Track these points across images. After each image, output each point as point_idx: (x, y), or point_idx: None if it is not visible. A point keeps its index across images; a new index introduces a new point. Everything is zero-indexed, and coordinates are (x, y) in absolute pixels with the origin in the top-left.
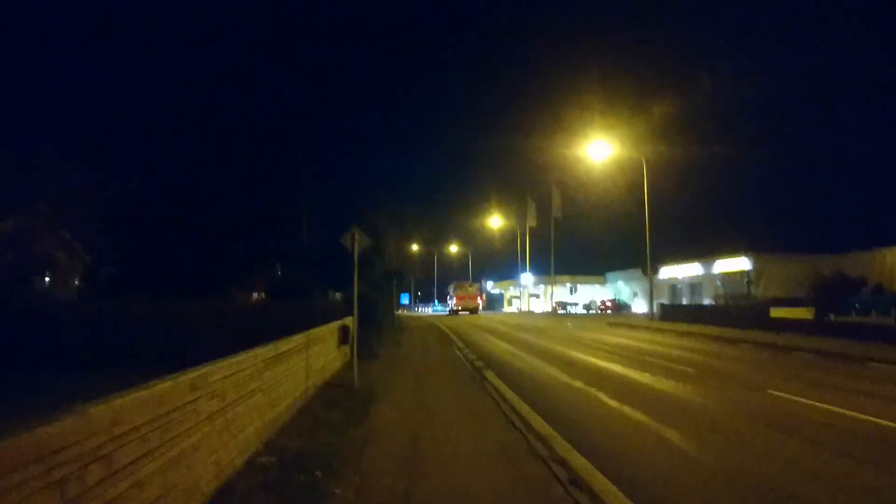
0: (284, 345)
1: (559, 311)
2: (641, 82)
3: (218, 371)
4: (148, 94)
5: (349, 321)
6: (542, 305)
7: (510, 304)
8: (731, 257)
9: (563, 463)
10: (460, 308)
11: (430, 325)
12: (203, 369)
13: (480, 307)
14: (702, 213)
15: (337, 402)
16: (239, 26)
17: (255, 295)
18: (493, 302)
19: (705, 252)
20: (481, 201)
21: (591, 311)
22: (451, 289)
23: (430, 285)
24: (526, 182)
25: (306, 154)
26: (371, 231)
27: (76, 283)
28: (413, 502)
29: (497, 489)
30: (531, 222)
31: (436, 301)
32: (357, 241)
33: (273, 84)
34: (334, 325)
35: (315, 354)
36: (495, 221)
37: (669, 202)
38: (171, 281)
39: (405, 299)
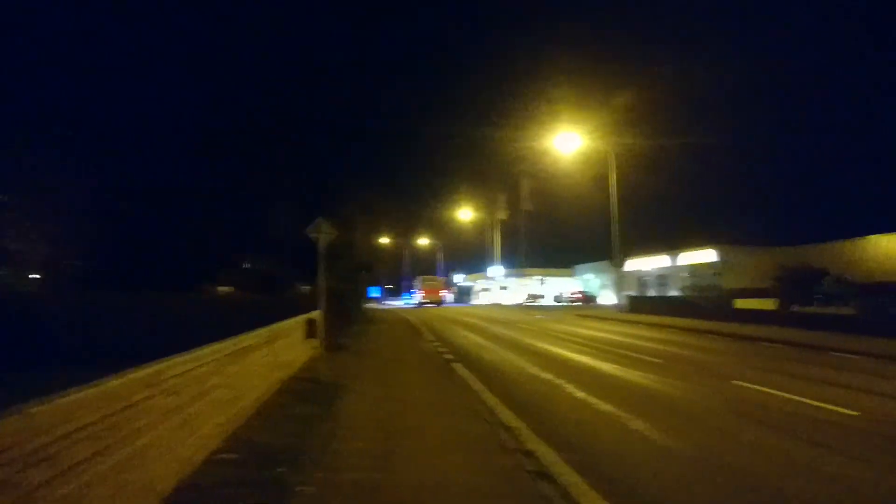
0: (247, 339)
1: (530, 304)
2: (609, 75)
3: (174, 367)
4: (115, 85)
5: (316, 314)
6: (512, 298)
7: (480, 296)
8: (697, 249)
9: (530, 455)
10: (426, 301)
11: (399, 317)
12: (158, 365)
13: (445, 300)
14: (670, 206)
15: (304, 395)
16: (208, 15)
17: (223, 289)
18: (464, 294)
19: (673, 244)
20: (452, 194)
21: (560, 304)
22: (417, 282)
23: (401, 278)
24: (496, 175)
25: (275, 147)
26: (340, 224)
27: (37, 276)
28: (379, 496)
29: (465, 482)
30: (501, 215)
31: (406, 293)
32: (323, 234)
33: (238, 73)
34: (301, 319)
35: (281, 348)
36: (466, 214)
37: (637, 194)
38: (139, 275)
39: (376, 292)
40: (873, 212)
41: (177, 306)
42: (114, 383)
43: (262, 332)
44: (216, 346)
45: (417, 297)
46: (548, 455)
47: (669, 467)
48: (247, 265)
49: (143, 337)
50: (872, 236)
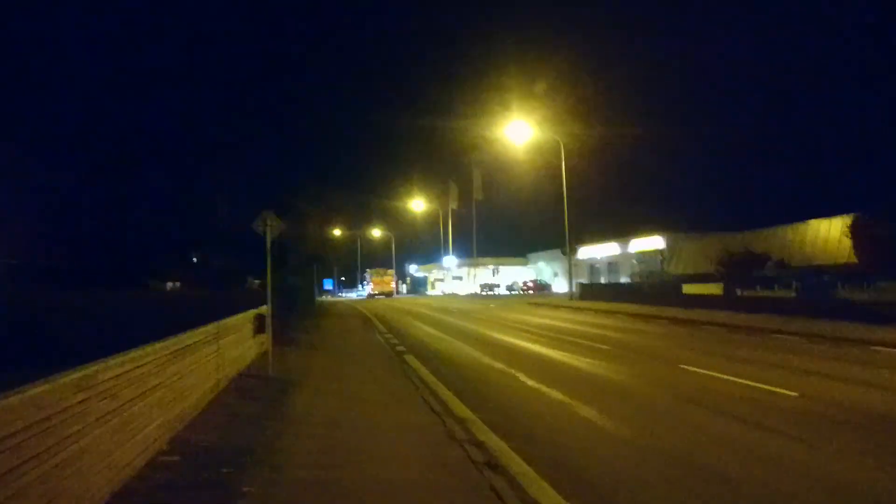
0: (191, 337)
1: (484, 293)
2: (559, 65)
3: (110, 369)
4: (56, 79)
5: (265, 309)
6: (466, 287)
7: (434, 286)
8: (646, 236)
9: (480, 446)
10: (376, 292)
11: (352, 309)
12: (91, 368)
13: (395, 291)
14: (619, 194)
15: (251, 392)
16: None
17: (170, 284)
18: (418, 285)
19: (622, 232)
20: (404, 185)
21: (513, 292)
22: (367, 275)
23: (355, 270)
24: (448, 164)
25: (224, 141)
26: (291, 216)
27: None
28: (326, 494)
29: (414, 476)
30: (453, 204)
31: (360, 285)
32: (270, 227)
33: (184, 67)
34: (250, 314)
35: (228, 344)
36: (418, 205)
37: (588, 183)
38: (82, 272)
39: (329, 284)
40: (814, 198)
41: (122, 304)
42: (40, 389)
43: (207, 329)
44: (157, 346)
45: (368, 288)
46: (498, 445)
47: (617, 454)
48: (195, 260)
49: (86, 337)
50: (812, 221)
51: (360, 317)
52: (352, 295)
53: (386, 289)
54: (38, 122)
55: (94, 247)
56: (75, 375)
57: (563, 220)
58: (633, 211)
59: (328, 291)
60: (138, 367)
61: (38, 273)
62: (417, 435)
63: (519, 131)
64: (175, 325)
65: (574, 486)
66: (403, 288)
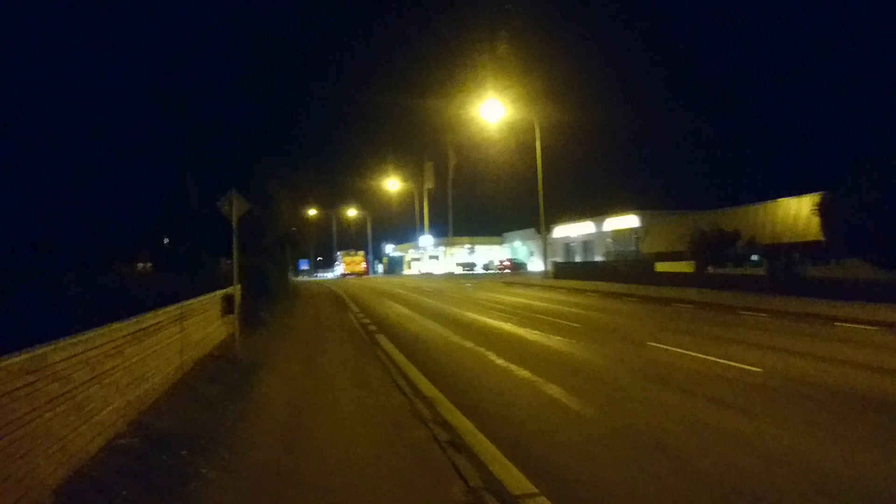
0: (152, 318)
1: (460, 273)
2: (534, 43)
3: (60, 351)
4: (13, 51)
5: (234, 290)
6: (442, 267)
7: (410, 266)
8: (620, 215)
9: (445, 425)
10: (348, 272)
11: (327, 290)
12: (40, 350)
13: (367, 272)
14: (593, 173)
15: (216, 374)
16: None
17: (140, 266)
18: (395, 265)
19: (597, 211)
20: (379, 164)
21: (489, 272)
22: (339, 256)
23: (330, 250)
24: (423, 144)
25: (193, 118)
26: (262, 196)
27: None
28: (283, 476)
29: (374, 456)
30: (429, 184)
31: (335, 266)
32: (236, 207)
33: (150, 40)
34: (218, 295)
35: (193, 326)
36: (393, 184)
37: (563, 162)
38: (40, 255)
39: (305, 265)
40: (789, 177)
41: (85, 285)
42: None
43: (169, 311)
44: (113, 327)
45: (339, 269)
46: (463, 425)
47: (581, 433)
48: (166, 241)
49: (44, 320)
50: (782, 199)
51: (334, 297)
52: (328, 275)
53: (357, 269)
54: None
55: (56, 228)
56: (23, 357)
57: (539, 200)
58: (609, 190)
59: (304, 272)
60: (93, 348)
61: None
62: (383, 416)
63: (494, 110)
64: (140, 306)
65: (536, 463)
66: (380, 268)
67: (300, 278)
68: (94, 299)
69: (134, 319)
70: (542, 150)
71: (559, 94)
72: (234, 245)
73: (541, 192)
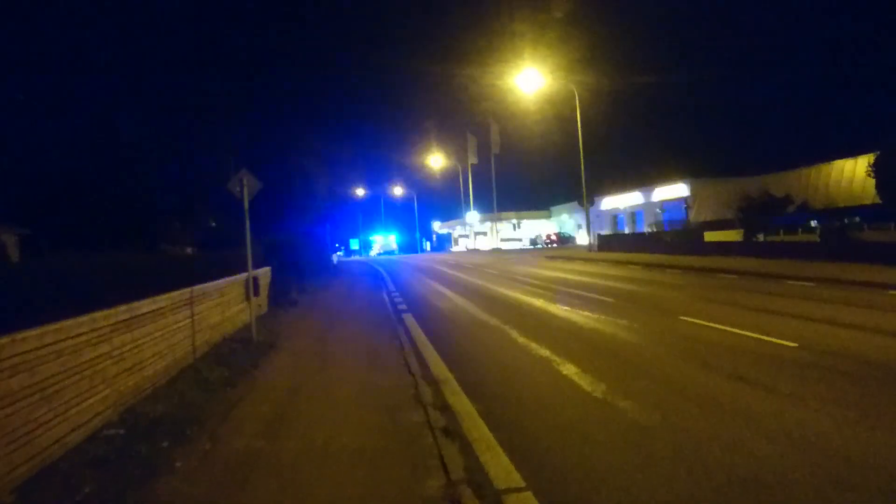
0: (149, 304)
1: (505, 248)
2: (573, 8)
3: (22, 342)
4: (58, 34)
5: (262, 271)
6: (489, 243)
7: (458, 243)
8: (669, 184)
9: (445, 409)
10: (381, 251)
11: (370, 268)
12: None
13: (395, 249)
14: (643, 142)
15: (227, 358)
16: None
17: (190, 250)
18: (443, 242)
19: (645, 180)
20: (421, 140)
21: (537, 246)
22: (373, 239)
23: (381, 230)
24: (464, 116)
25: (230, 100)
26: (300, 174)
27: None
28: (255, 465)
29: (358, 443)
30: (472, 159)
31: (372, 246)
32: (247, 186)
33: (196, 20)
34: (242, 277)
35: (209, 309)
36: (437, 161)
37: (609, 131)
38: (89, 239)
39: (356, 244)
40: (838, 136)
41: (127, 266)
42: None
43: (173, 296)
44: (95, 315)
45: (375, 249)
46: (464, 408)
47: (584, 415)
48: (213, 224)
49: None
50: (836, 161)
51: (374, 275)
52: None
53: (389, 247)
54: (47, 78)
55: (107, 213)
56: None
57: (580, 171)
58: (658, 159)
59: (355, 252)
60: (66, 338)
61: (51, 241)
62: (381, 399)
63: (532, 80)
64: (167, 286)
65: (531, 451)
66: (427, 246)
67: (353, 258)
68: (133, 278)
69: (124, 307)
70: (587, 119)
71: (604, 62)
72: (247, 225)
73: (582, 164)
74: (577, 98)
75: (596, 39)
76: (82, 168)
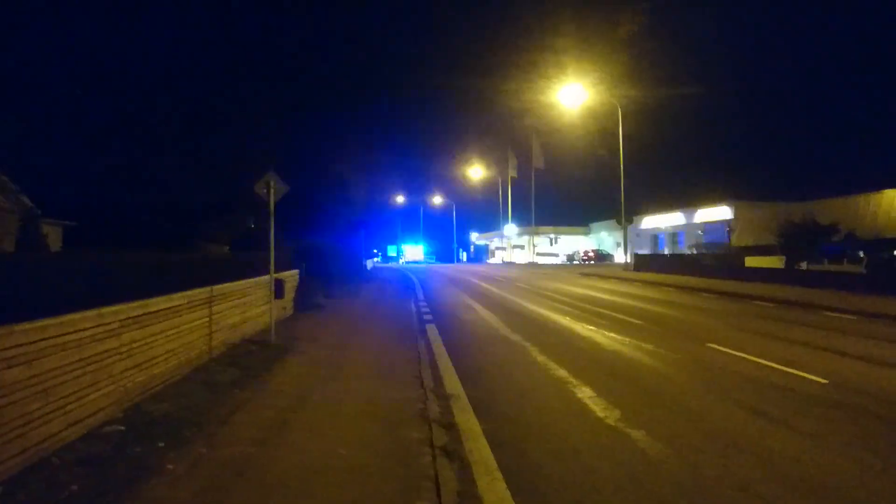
0: (164, 302)
1: (540, 262)
2: (616, 24)
3: (19, 335)
4: (98, 33)
5: (289, 275)
6: (526, 257)
7: (494, 255)
8: (712, 206)
9: (449, 427)
10: (410, 260)
11: (403, 276)
12: None
13: (422, 259)
14: (685, 160)
15: (239, 360)
16: None
17: (227, 248)
18: (480, 254)
19: (687, 201)
20: (462, 151)
21: (573, 262)
22: (403, 249)
23: (418, 238)
24: (505, 130)
25: (271, 104)
26: (338, 180)
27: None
28: (243, 474)
29: (353, 458)
30: (512, 173)
31: (427, 254)
32: (274, 189)
33: (229, 24)
34: (266, 278)
35: (228, 309)
36: (477, 172)
37: (654, 150)
38: (129, 234)
39: (393, 250)
40: (889, 165)
41: (151, 263)
42: None
43: (190, 294)
44: (103, 311)
45: (404, 258)
46: (469, 427)
47: (593, 441)
48: (252, 226)
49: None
50: (887, 191)
51: (406, 283)
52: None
53: (417, 257)
54: (88, 75)
55: (147, 210)
56: None
57: (620, 188)
58: (701, 178)
59: (391, 259)
60: (72, 332)
61: (95, 235)
62: (387, 412)
63: (575, 95)
64: (192, 283)
65: (531, 477)
66: (464, 256)
67: (390, 264)
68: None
69: (136, 303)
70: (629, 136)
71: (645, 77)
72: (271, 229)
73: (622, 181)
74: (619, 113)
75: (642, 53)
76: (126, 165)
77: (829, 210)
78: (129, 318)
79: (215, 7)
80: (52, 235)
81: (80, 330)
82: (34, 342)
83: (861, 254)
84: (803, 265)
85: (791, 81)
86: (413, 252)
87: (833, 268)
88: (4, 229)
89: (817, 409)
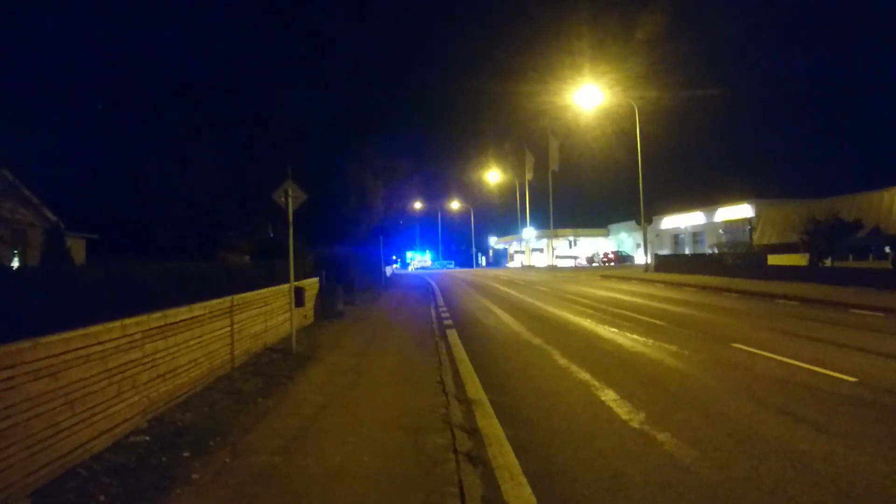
0: (185, 313)
1: (559, 265)
2: (631, 24)
3: (45, 347)
4: (118, 49)
5: (309, 283)
6: (545, 260)
7: (513, 258)
8: (733, 205)
9: (473, 433)
10: (418, 266)
11: (423, 282)
12: (15, 346)
13: (430, 264)
14: (704, 159)
15: (264, 368)
16: None
17: (247, 257)
18: (499, 258)
19: (708, 200)
20: (478, 155)
21: (593, 264)
22: (411, 256)
23: (435, 243)
24: (522, 132)
25: (290, 111)
26: (356, 187)
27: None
28: (269, 482)
29: (376, 465)
30: (529, 175)
31: (440, 259)
32: (292, 197)
33: (249, 32)
34: (285, 287)
35: (249, 318)
36: (494, 176)
37: (673, 149)
38: (150, 245)
39: (412, 257)
40: None
41: (171, 274)
42: None
43: (211, 304)
44: (126, 322)
45: (413, 265)
46: (493, 432)
47: (619, 445)
48: (272, 235)
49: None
50: None
51: (426, 289)
52: (438, 269)
53: (425, 263)
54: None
55: (169, 221)
56: None
57: (644, 189)
58: (723, 178)
59: (407, 265)
60: (96, 343)
61: (117, 247)
62: (410, 418)
63: (591, 96)
64: (213, 294)
65: (556, 481)
66: (483, 261)
67: (409, 270)
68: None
69: (158, 314)
70: (647, 136)
71: (664, 77)
72: (290, 238)
73: (640, 181)
74: (636, 114)
75: (658, 54)
76: (147, 177)
77: (852, 206)
78: (152, 328)
79: (234, 17)
80: (76, 248)
81: (104, 341)
82: (59, 354)
83: (887, 249)
84: (827, 262)
85: (811, 78)
86: (420, 259)
87: (858, 264)
88: (29, 243)
89: (847, 409)
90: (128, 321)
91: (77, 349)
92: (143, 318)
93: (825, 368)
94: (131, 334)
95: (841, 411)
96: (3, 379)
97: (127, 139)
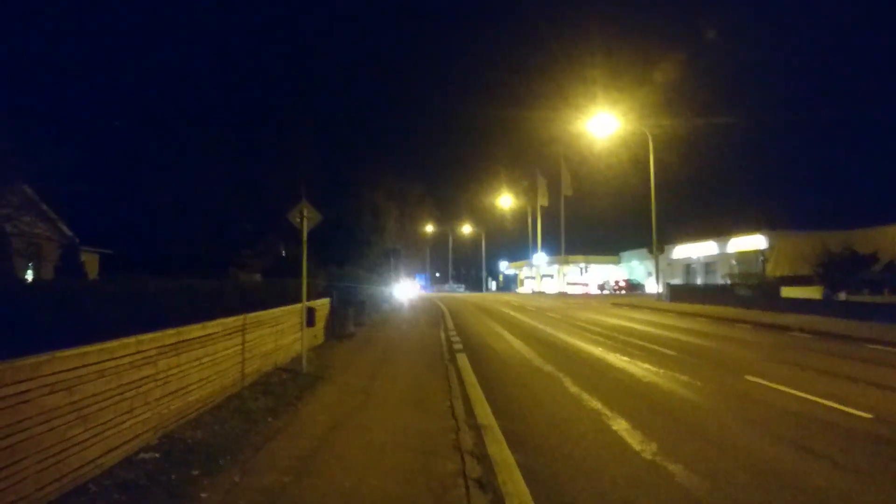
0: (199, 330)
1: (571, 292)
2: (646, 53)
3: (61, 361)
4: (135, 69)
5: (320, 303)
6: (556, 286)
7: (524, 284)
8: (746, 235)
9: (483, 459)
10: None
11: (432, 305)
12: (31, 360)
13: (422, 291)
14: (717, 189)
15: (274, 388)
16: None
17: (258, 276)
18: (509, 283)
19: (720, 230)
20: (491, 180)
21: (604, 292)
22: (402, 280)
23: (446, 266)
24: (534, 158)
25: (304, 132)
26: (369, 208)
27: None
28: None
29: (385, 490)
30: (542, 201)
31: (450, 281)
32: (307, 218)
33: (265, 53)
34: (298, 306)
35: (260, 337)
36: (506, 201)
37: (686, 178)
38: (163, 262)
39: (421, 279)
40: None
41: (179, 292)
42: None
43: (225, 322)
44: (143, 338)
45: (407, 290)
46: (503, 458)
47: (630, 476)
48: (284, 254)
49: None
50: None
51: (436, 311)
52: (449, 293)
53: (415, 290)
54: (124, 109)
55: (182, 239)
56: (4, 367)
57: (651, 217)
58: (733, 207)
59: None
60: (111, 359)
61: (130, 263)
62: (419, 442)
63: (604, 124)
64: (223, 313)
65: None
66: (493, 286)
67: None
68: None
69: (172, 331)
70: (661, 164)
71: (677, 106)
72: (304, 258)
73: (653, 210)
74: (650, 142)
75: (673, 82)
76: (162, 194)
77: (868, 239)
78: (166, 345)
79: (254, 37)
80: (90, 263)
81: (119, 357)
82: (75, 368)
83: None
84: (842, 295)
85: (826, 110)
86: (412, 283)
87: (874, 298)
88: (45, 257)
89: (863, 445)
90: (143, 337)
91: (93, 364)
92: (158, 334)
93: (841, 404)
94: (146, 350)
95: (857, 448)
96: (20, 392)
97: (143, 157)
